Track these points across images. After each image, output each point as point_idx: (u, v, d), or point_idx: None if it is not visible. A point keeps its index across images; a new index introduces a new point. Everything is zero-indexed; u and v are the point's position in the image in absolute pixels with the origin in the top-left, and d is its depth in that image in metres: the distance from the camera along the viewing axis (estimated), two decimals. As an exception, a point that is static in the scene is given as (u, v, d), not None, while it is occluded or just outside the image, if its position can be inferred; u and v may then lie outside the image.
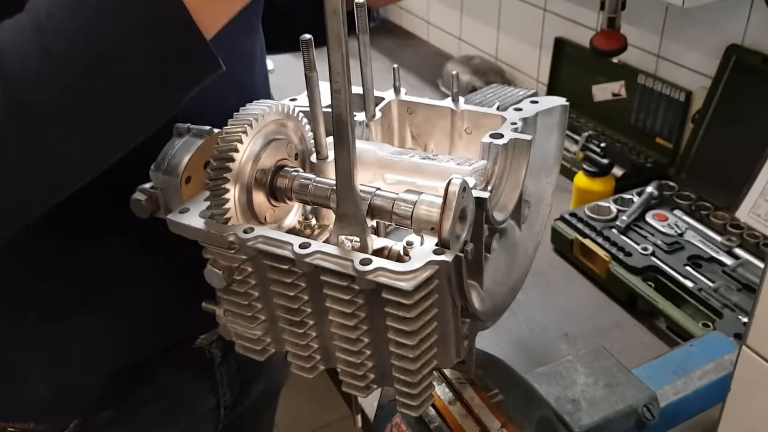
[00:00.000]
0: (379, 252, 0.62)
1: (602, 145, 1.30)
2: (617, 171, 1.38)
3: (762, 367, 0.60)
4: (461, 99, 0.73)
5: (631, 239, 1.17)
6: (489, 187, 0.65)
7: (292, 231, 0.66)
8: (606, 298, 1.14)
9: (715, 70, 1.29)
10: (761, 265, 1.09)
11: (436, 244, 0.53)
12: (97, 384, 0.78)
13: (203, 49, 0.46)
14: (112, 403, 0.81)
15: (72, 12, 0.43)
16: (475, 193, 0.56)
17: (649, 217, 1.21)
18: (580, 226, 1.20)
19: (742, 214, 1.20)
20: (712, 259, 1.12)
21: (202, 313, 0.65)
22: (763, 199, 1.16)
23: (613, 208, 1.23)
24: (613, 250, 1.14)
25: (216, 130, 0.61)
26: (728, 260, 1.11)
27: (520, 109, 0.70)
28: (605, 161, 1.28)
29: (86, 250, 0.71)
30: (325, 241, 0.61)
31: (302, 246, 0.54)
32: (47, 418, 0.79)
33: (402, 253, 0.62)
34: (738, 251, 1.13)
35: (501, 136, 0.66)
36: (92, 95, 0.44)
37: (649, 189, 1.25)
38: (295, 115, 0.63)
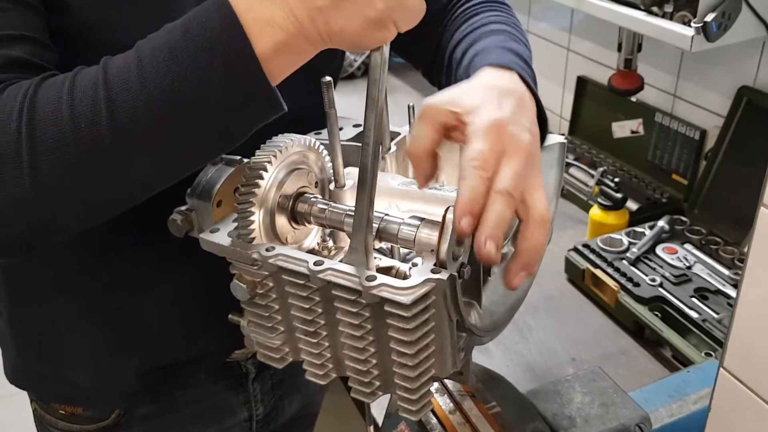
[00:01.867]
0: (387, 271, 0.69)
1: (616, 180, 1.36)
2: (632, 205, 1.43)
3: (737, 388, 0.65)
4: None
5: (640, 270, 1.21)
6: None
7: (311, 252, 0.73)
8: (614, 326, 1.19)
9: (727, 110, 1.34)
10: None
11: (435, 264, 0.60)
12: (133, 380, 0.87)
13: (268, 92, 0.55)
14: (148, 400, 0.89)
15: (168, 55, 0.53)
16: (473, 221, 0.63)
17: (659, 250, 1.26)
18: (591, 256, 1.25)
19: (752, 249, 1.24)
20: (718, 292, 1.16)
21: (237, 328, 0.72)
22: (772, 236, 1.20)
23: (625, 240, 1.28)
24: (623, 280, 1.19)
25: (245, 160, 0.69)
26: (734, 293, 1.15)
27: (522, 146, 0.77)
28: (619, 195, 1.34)
29: (132, 252, 0.79)
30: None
31: (316, 263, 0.61)
32: (91, 405, 0.88)
33: (407, 273, 0.69)
34: (745, 285, 1.17)
35: (502, 170, 0.73)
36: (177, 122, 0.54)
37: (661, 223, 1.30)
38: (316, 147, 0.71)
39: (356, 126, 0.85)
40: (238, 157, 0.70)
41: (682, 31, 1.13)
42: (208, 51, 0.52)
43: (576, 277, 1.26)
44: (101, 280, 0.81)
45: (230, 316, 0.72)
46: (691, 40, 1.12)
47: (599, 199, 1.36)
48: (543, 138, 0.69)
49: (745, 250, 1.25)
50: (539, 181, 0.59)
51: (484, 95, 0.61)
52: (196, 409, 0.93)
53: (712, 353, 1.05)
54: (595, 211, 1.36)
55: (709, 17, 1.10)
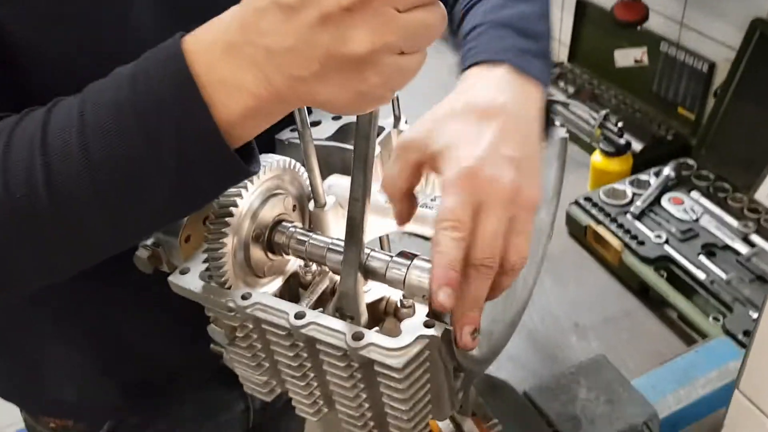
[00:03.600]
0: (377, 304, 0.64)
1: (619, 125, 1.28)
2: (636, 146, 1.36)
3: (752, 413, 0.62)
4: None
5: (645, 225, 1.16)
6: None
7: (293, 276, 0.68)
8: (618, 285, 1.15)
9: (739, 43, 1.24)
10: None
11: (428, 314, 0.54)
12: (120, 394, 0.83)
13: (232, 162, 0.47)
14: (138, 410, 0.86)
15: (113, 117, 0.45)
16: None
17: (665, 201, 1.20)
18: (594, 211, 1.19)
19: (761, 195, 1.18)
20: (726, 248, 1.11)
21: None
22: (784, 181, 1.14)
23: (629, 191, 1.22)
24: (626, 238, 1.13)
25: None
26: (743, 248, 1.10)
27: (520, 143, 0.69)
28: (622, 142, 1.26)
29: (112, 267, 0.74)
30: (322, 306, 0.63)
31: (297, 316, 0.55)
32: (81, 418, 0.85)
33: (399, 305, 0.63)
34: (754, 238, 1.12)
35: (499, 176, 0.66)
36: (122, 194, 0.47)
37: (667, 171, 1.23)
38: (292, 167, 0.64)
39: (335, 119, 0.77)
40: (206, 184, 0.63)
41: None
42: (156, 115, 0.44)
43: (578, 232, 1.21)
44: (80, 296, 0.76)
45: (212, 347, 0.68)
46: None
47: (602, 146, 1.28)
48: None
49: (755, 196, 1.19)
50: (525, 224, 0.53)
51: (461, 126, 0.54)
52: (189, 411, 0.90)
53: (720, 318, 1.01)
54: (597, 158, 1.29)
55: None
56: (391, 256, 0.58)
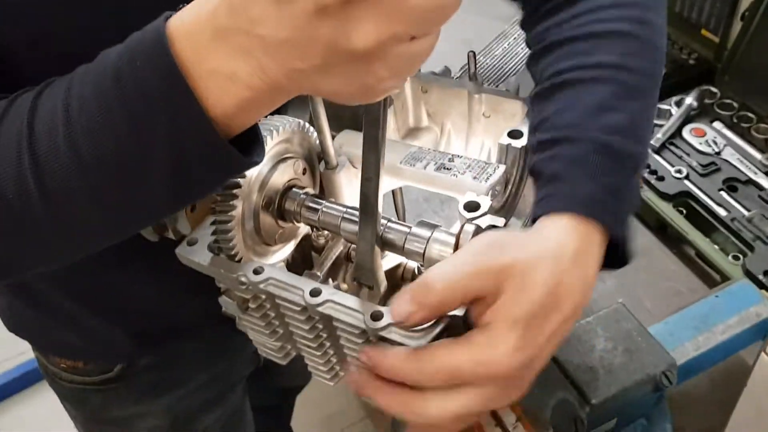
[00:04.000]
0: (394, 270, 0.62)
1: (640, 50, 1.21)
2: (656, 70, 1.30)
3: (779, 378, 0.60)
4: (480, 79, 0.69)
5: (665, 159, 1.12)
6: (506, 194, 0.62)
7: (305, 239, 0.65)
8: (635, 222, 1.12)
9: (771, -40, 1.16)
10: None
11: (448, 291, 0.52)
12: (129, 341, 0.83)
13: (228, 157, 0.43)
14: (149, 352, 0.86)
15: (99, 110, 0.42)
16: (489, 221, 0.54)
17: (686, 133, 1.15)
18: (612, 144, 1.15)
19: (787, 125, 1.13)
20: (749, 182, 1.08)
21: None
22: (811, 110, 1.09)
23: (649, 122, 1.17)
24: (645, 173, 1.10)
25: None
26: (767, 183, 1.07)
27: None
28: (643, 69, 1.20)
29: None
30: (336, 272, 0.60)
31: (313, 293, 0.53)
32: (90, 360, 0.86)
33: (416, 272, 0.61)
34: (778, 171, 1.08)
35: (520, 134, 0.63)
36: (116, 192, 0.45)
37: (689, 100, 1.18)
38: (301, 128, 0.60)
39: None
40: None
41: None
42: (145, 112, 0.41)
43: (594, 166, 1.17)
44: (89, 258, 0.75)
45: (224, 310, 0.66)
46: None
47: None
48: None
49: (780, 127, 1.14)
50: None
51: (545, 287, 0.49)
52: (201, 352, 0.91)
53: (740, 256, 0.99)
54: (616, 86, 1.24)
55: None
56: (410, 228, 0.55)
